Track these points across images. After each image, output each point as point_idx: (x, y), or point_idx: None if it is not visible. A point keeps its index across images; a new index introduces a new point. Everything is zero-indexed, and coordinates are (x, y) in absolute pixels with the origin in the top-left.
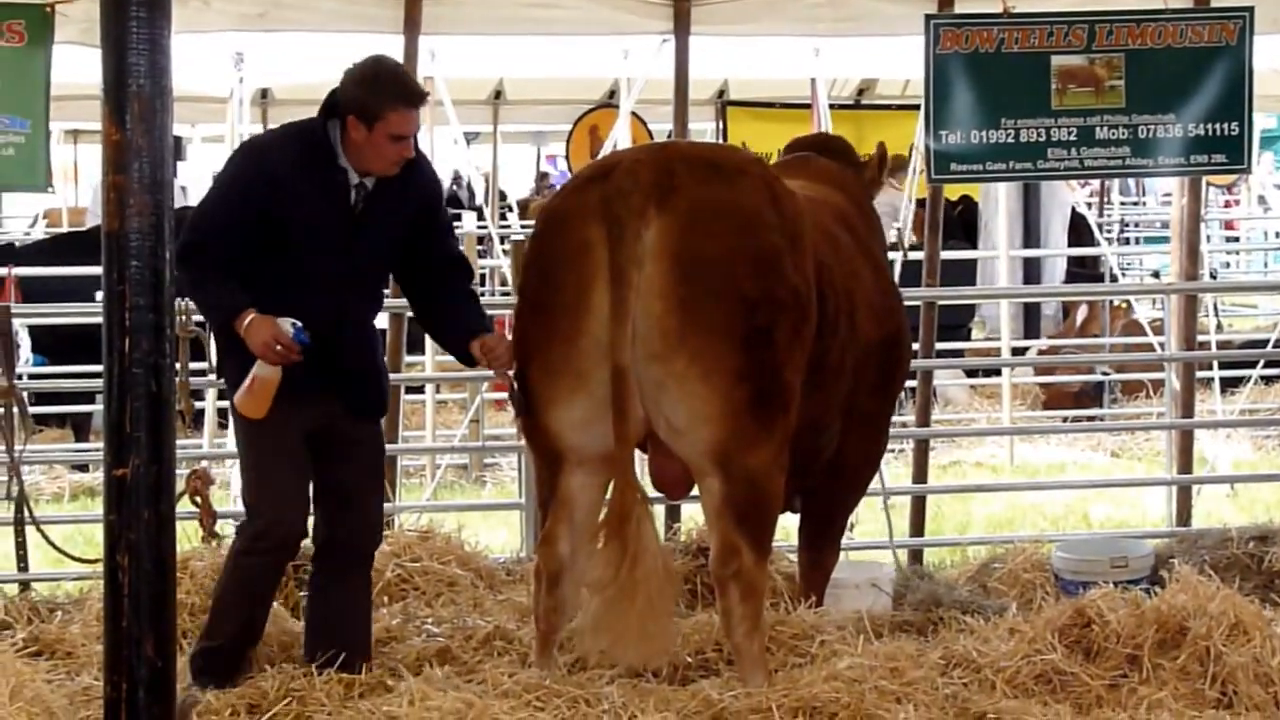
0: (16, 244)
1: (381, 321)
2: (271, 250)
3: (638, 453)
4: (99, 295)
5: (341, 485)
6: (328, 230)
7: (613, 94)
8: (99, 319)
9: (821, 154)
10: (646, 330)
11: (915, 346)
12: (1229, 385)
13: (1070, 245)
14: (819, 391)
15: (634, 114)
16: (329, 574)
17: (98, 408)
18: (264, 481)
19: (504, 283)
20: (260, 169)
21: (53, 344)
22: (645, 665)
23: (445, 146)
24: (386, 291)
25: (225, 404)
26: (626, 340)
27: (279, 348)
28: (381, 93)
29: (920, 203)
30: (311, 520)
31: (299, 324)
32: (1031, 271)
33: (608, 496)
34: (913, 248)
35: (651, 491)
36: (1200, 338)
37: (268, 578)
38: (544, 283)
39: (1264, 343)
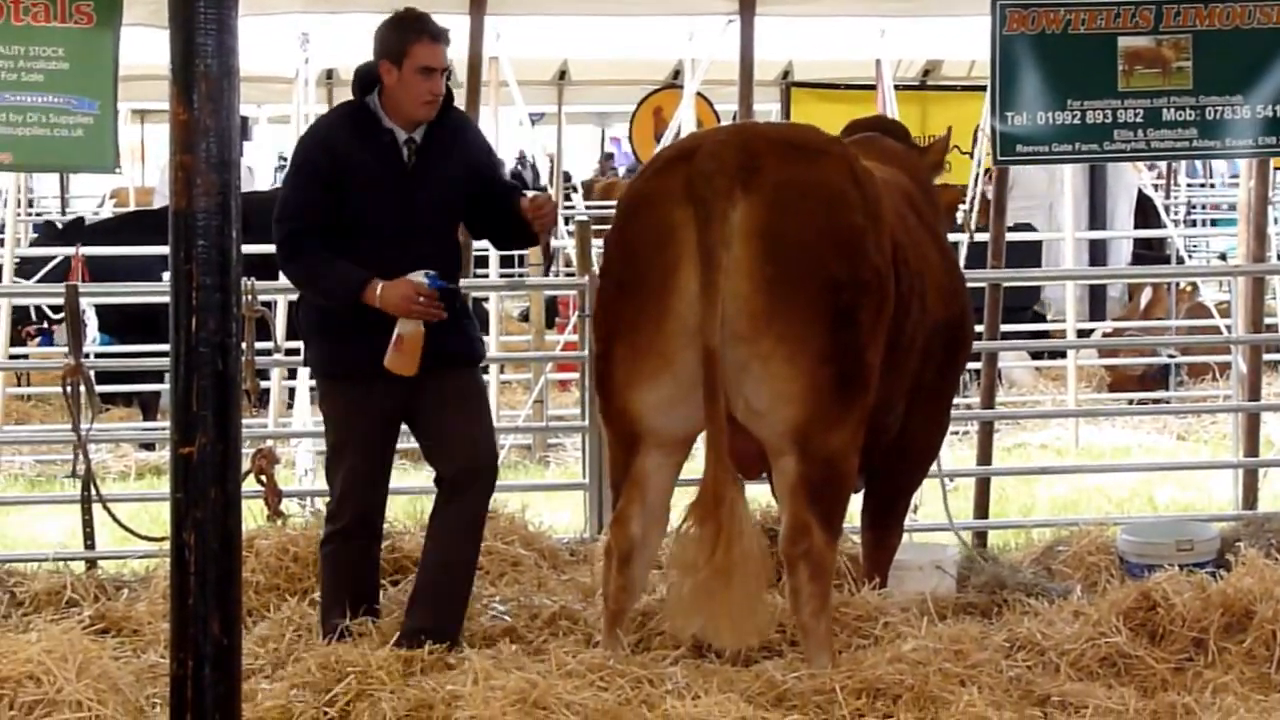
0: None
1: None
2: (343, 220)
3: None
4: (165, 275)
5: (434, 429)
6: (386, 189)
7: (677, 75)
8: (165, 298)
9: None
10: (734, 312)
11: (980, 328)
12: None
13: (1136, 227)
14: (892, 371)
15: (699, 95)
16: (437, 505)
17: (166, 386)
18: (336, 465)
19: (568, 263)
20: (320, 147)
21: (118, 323)
22: (738, 646)
23: (510, 127)
24: None
25: (292, 384)
26: (717, 322)
27: (421, 299)
28: (405, 30)
29: None
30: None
31: (432, 272)
32: (1097, 253)
33: (681, 477)
34: (978, 229)
35: None
36: (1267, 320)
37: (349, 562)
38: (630, 264)
39: None
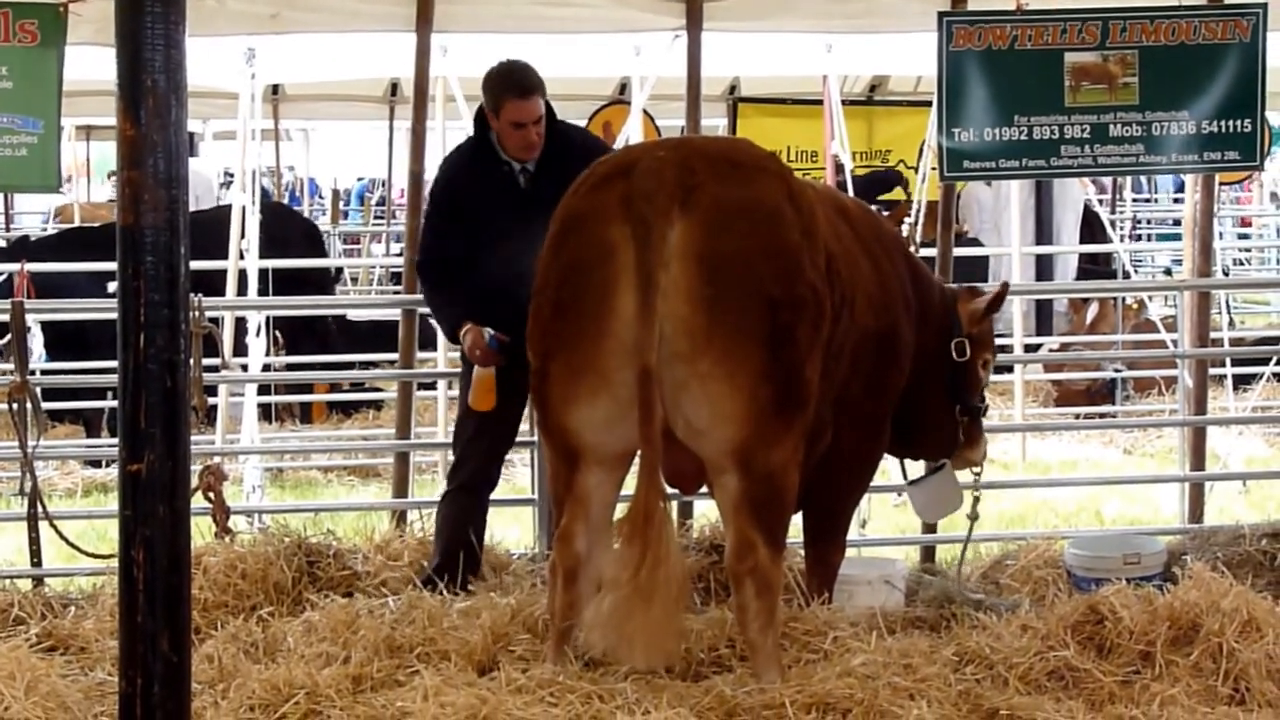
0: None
1: (395, 315)
2: (474, 244)
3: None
4: (111, 288)
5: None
6: (505, 210)
7: (624, 90)
8: (102, 315)
9: None
10: (672, 332)
11: None
12: (1241, 382)
13: (1082, 242)
14: (820, 380)
15: (644, 111)
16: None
17: (108, 404)
18: (462, 431)
19: None
20: (447, 182)
21: (49, 341)
22: (649, 667)
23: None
24: (399, 287)
25: (236, 399)
26: (654, 342)
27: (479, 353)
28: (497, 87)
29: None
30: None
31: (492, 332)
32: (1044, 268)
33: (624, 493)
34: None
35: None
36: (1213, 334)
37: (455, 519)
38: (566, 283)
39: (1277, 339)
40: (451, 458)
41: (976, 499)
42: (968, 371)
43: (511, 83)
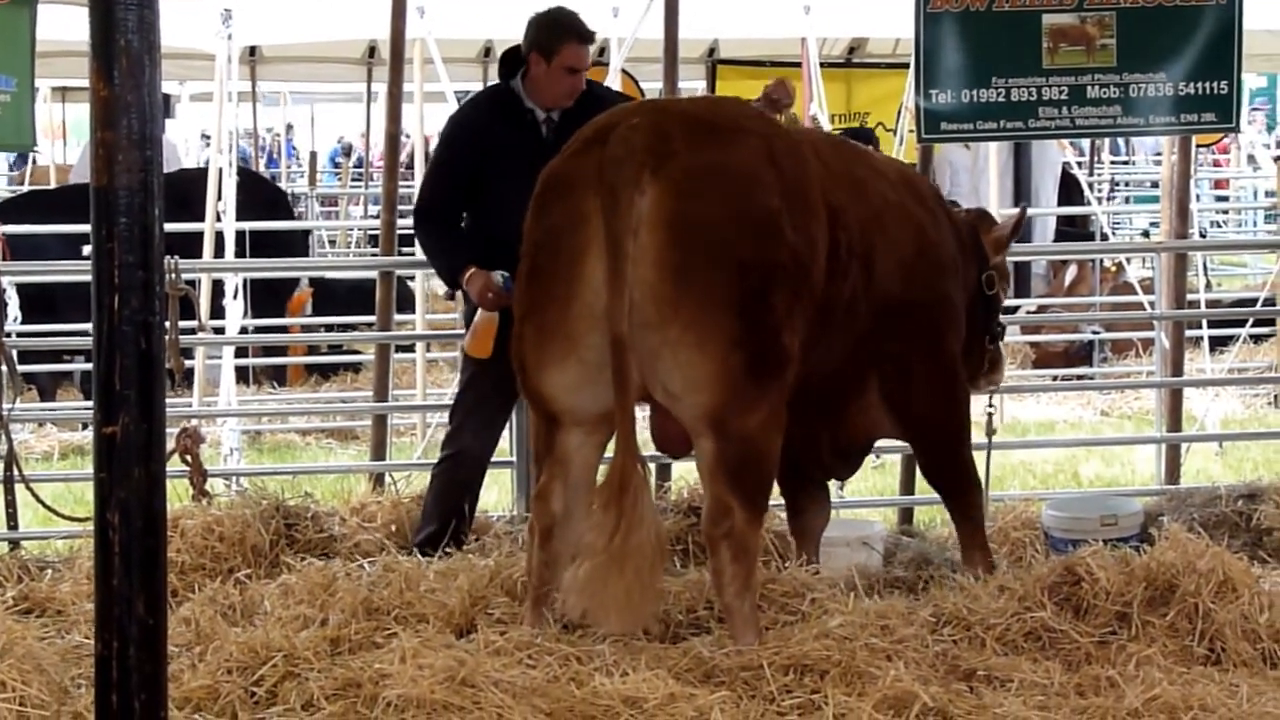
0: None
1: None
2: (490, 194)
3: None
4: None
5: None
6: (527, 164)
7: (602, 52)
8: (69, 279)
9: None
10: (641, 299)
11: None
12: (1218, 344)
13: (1060, 204)
14: (829, 335)
15: (625, 72)
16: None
17: (69, 367)
18: (461, 404)
19: None
20: (466, 128)
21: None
22: (624, 632)
23: (436, 105)
24: (376, 250)
25: (214, 362)
26: (624, 310)
27: (490, 295)
28: (558, 30)
29: None
30: None
31: (506, 274)
32: (1022, 230)
33: (606, 456)
34: None
35: (654, 450)
36: (1190, 296)
37: (451, 487)
38: (543, 247)
39: (1253, 301)
40: (433, 420)
41: (990, 415)
42: (995, 300)
43: (571, 28)
